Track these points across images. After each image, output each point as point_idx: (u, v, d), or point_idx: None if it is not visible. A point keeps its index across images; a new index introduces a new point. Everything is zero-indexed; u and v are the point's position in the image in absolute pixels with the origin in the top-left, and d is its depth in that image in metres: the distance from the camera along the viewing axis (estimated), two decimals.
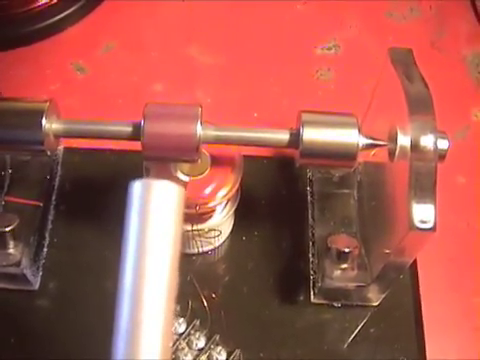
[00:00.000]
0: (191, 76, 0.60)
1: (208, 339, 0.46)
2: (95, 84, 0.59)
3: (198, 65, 0.61)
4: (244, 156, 0.46)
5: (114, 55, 0.61)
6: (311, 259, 0.49)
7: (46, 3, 0.61)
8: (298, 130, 0.40)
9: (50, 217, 0.51)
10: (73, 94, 0.58)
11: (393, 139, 0.41)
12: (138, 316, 0.28)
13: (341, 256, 0.45)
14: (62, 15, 0.61)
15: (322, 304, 0.48)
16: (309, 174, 0.53)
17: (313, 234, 0.50)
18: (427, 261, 0.50)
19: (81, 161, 0.54)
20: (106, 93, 0.59)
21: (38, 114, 0.40)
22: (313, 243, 0.49)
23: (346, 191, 0.51)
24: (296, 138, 0.40)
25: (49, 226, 0.51)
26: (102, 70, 0.60)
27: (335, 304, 0.48)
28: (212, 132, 0.41)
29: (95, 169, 0.54)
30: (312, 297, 0.48)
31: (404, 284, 0.49)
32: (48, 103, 0.41)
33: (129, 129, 0.41)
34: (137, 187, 0.29)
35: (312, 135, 0.40)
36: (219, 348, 0.46)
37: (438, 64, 0.62)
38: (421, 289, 0.49)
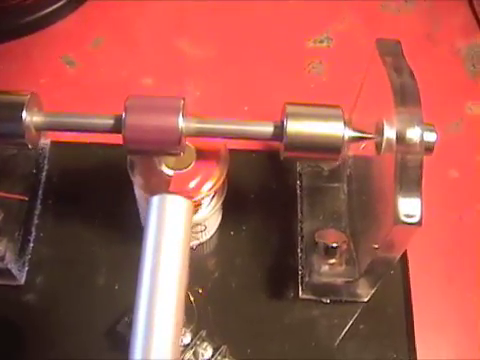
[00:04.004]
0: (181, 69, 0.59)
1: (194, 335, 0.45)
2: (85, 78, 0.59)
3: (188, 58, 0.60)
4: (232, 150, 0.45)
5: (104, 49, 0.60)
6: (300, 254, 0.49)
7: None
8: (282, 122, 0.40)
9: (36, 211, 0.51)
10: (63, 88, 0.58)
11: (380, 132, 0.40)
12: (154, 307, 0.33)
13: (329, 251, 0.45)
14: (52, 8, 0.61)
15: (311, 300, 0.48)
16: (299, 168, 0.52)
17: (302, 229, 0.49)
18: (418, 256, 0.50)
19: (68, 155, 0.53)
20: (96, 87, 0.58)
21: (18, 107, 0.39)
22: (302, 238, 0.49)
23: (336, 185, 0.51)
24: (280, 130, 0.40)
25: (35, 221, 0.50)
26: (92, 64, 0.59)
27: (324, 300, 0.48)
28: (194, 124, 0.40)
29: (82, 163, 0.53)
30: (300, 293, 0.48)
31: (394, 280, 0.49)
32: (29, 96, 0.40)
33: (110, 122, 0.40)
34: (155, 200, 0.35)
35: (296, 127, 0.39)
36: (205, 344, 0.45)
37: (432, 57, 0.61)
38: (412, 284, 0.49)
